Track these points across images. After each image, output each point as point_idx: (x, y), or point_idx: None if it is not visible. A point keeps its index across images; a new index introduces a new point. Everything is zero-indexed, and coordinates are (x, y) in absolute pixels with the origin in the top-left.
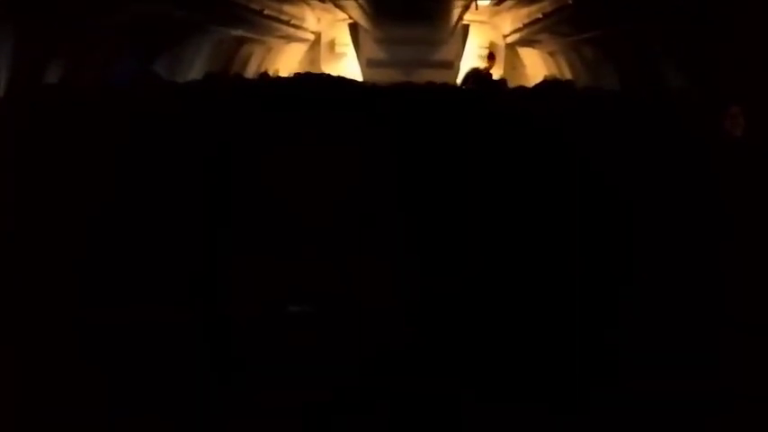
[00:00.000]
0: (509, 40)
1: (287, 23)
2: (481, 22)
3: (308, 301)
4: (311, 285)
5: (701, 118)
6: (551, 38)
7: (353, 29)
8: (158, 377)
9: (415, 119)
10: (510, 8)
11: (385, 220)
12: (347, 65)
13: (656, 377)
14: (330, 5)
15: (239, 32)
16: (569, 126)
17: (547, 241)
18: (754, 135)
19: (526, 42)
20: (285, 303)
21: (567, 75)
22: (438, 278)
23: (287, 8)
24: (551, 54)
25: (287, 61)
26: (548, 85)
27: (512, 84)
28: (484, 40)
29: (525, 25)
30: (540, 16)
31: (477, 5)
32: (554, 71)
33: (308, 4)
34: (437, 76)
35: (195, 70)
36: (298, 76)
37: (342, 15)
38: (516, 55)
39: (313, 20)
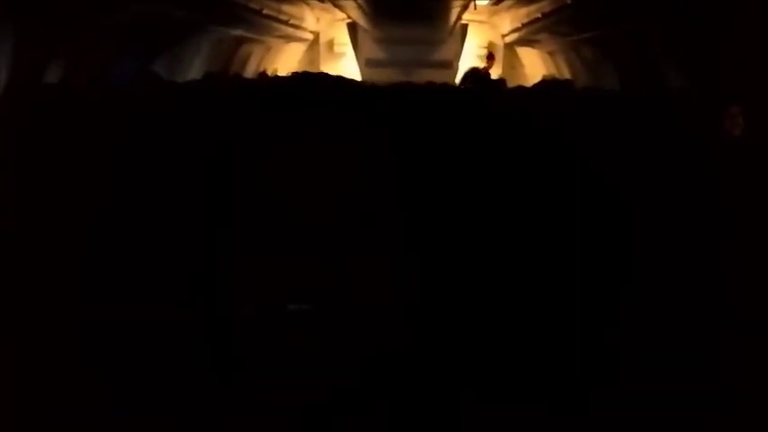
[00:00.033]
0: (508, 39)
1: (286, 23)
2: (480, 21)
3: (307, 301)
4: (311, 285)
5: (700, 118)
6: (550, 38)
7: (352, 28)
8: (158, 377)
9: (415, 119)
10: (509, 8)
11: (385, 220)
12: (346, 64)
13: (656, 377)
14: (329, 5)
15: (238, 32)
16: (569, 126)
17: (547, 241)
18: (754, 135)
19: (525, 42)
20: (285, 303)
21: (567, 75)
22: (438, 278)
23: (286, 8)
24: (550, 54)
25: (286, 61)
26: (547, 84)
27: (510, 84)
28: (483, 40)
29: (524, 25)
30: (539, 16)
31: (475, 5)
32: (553, 71)
33: (307, 4)
34: (436, 76)
35: (194, 70)
36: (297, 75)
37: (341, 15)
38: (515, 55)
39: (312, 19)
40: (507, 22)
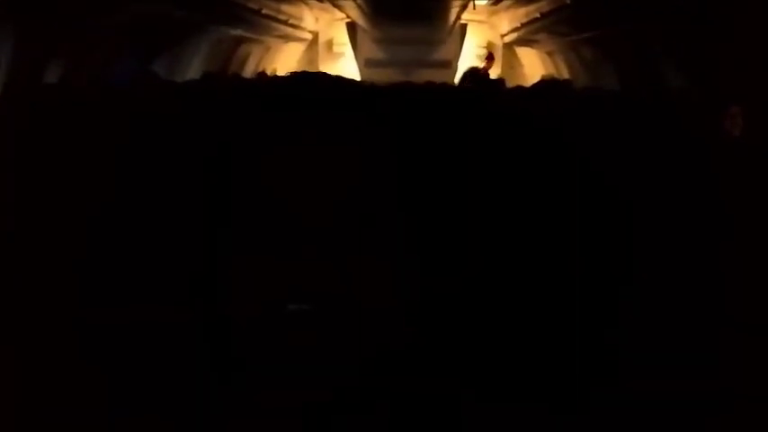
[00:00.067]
0: (507, 39)
1: (285, 23)
2: (479, 21)
3: (307, 301)
4: (311, 285)
5: (700, 118)
6: (549, 37)
7: (351, 28)
8: (158, 377)
9: (415, 119)
10: (508, 8)
11: (385, 220)
12: (345, 64)
13: (656, 377)
14: (328, 5)
15: (238, 32)
16: (569, 126)
17: (547, 241)
18: (754, 135)
19: (524, 42)
20: (285, 303)
21: (566, 75)
22: (438, 278)
23: (285, 7)
24: (549, 54)
25: (285, 61)
26: (546, 84)
27: (509, 83)
28: (482, 40)
29: (523, 25)
30: (538, 16)
31: (474, 5)
32: (552, 71)
33: (306, 4)
34: (435, 76)
35: (194, 70)
36: (296, 75)
37: (340, 15)
38: (514, 55)
39: (311, 19)
40: (506, 22)
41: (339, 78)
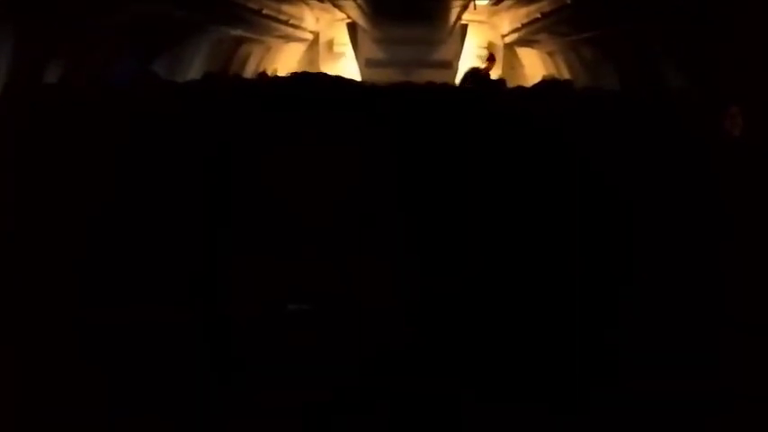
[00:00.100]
0: (507, 39)
1: (285, 23)
2: (480, 21)
3: (307, 301)
4: (311, 285)
5: (701, 118)
6: (550, 38)
7: (352, 28)
8: (158, 377)
9: (415, 119)
10: (508, 8)
11: (385, 220)
12: (346, 65)
13: (656, 377)
14: (329, 5)
15: (238, 32)
16: (569, 126)
17: (547, 241)
18: (754, 135)
19: (525, 42)
20: (285, 303)
21: (566, 75)
22: (438, 278)
23: (285, 8)
24: (550, 54)
25: (285, 61)
26: (546, 84)
27: (510, 84)
28: (482, 40)
29: (524, 25)
30: (539, 16)
31: (475, 5)
32: (553, 71)
33: (307, 4)
34: (436, 76)
35: (194, 70)
36: (296, 75)
37: (340, 15)
38: (515, 55)
39: (311, 19)
40: (507, 23)
41: (339, 78)
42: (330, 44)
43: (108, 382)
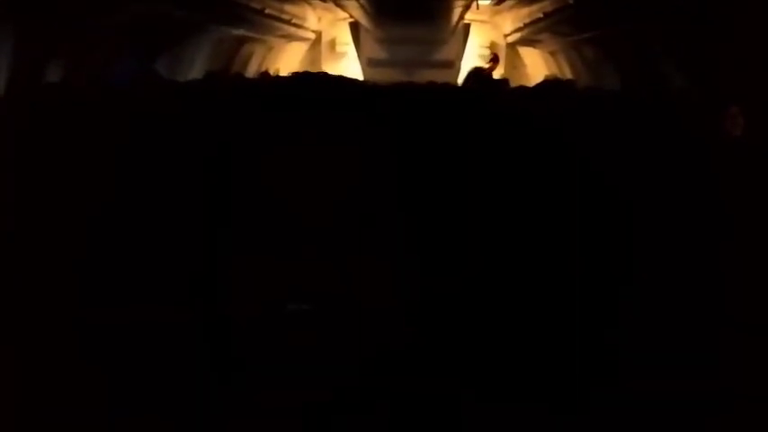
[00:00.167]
0: (510, 39)
1: (288, 22)
2: (482, 21)
3: (307, 301)
4: (311, 285)
5: (701, 118)
6: (552, 37)
7: (354, 28)
8: (158, 377)
9: (416, 119)
10: (511, 8)
11: (385, 220)
12: (348, 64)
13: (656, 377)
14: (331, 5)
15: (240, 32)
16: (569, 126)
17: (547, 241)
18: (754, 135)
19: (527, 42)
20: (285, 303)
21: (568, 74)
22: (438, 278)
23: (288, 7)
24: (552, 54)
25: (288, 60)
26: (548, 84)
27: (512, 83)
28: (485, 40)
29: (526, 25)
30: (541, 16)
31: (477, 5)
32: (555, 71)
33: (309, 4)
34: (438, 76)
35: (196, 70)
36: (297, 75)
37: (343, 14)
38: (517, 54)
39: (314, 19)
40: (509, 22)
41: (340, 78)
42: (332, 44)
43: (108, 382)
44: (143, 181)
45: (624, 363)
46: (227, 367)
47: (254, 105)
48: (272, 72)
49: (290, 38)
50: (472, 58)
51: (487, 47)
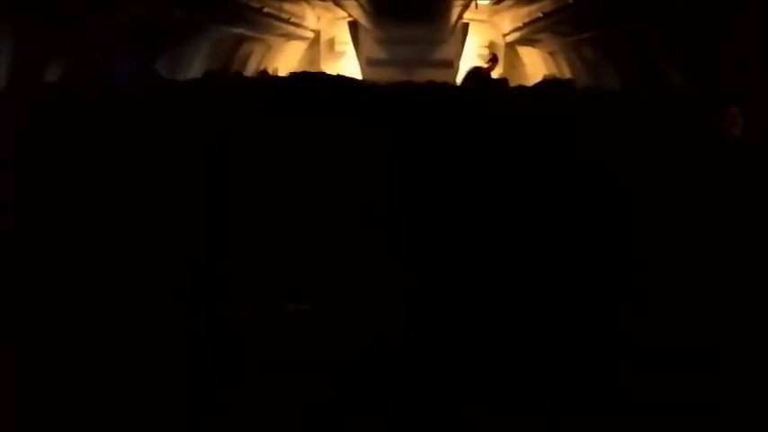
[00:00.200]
0: (509, 39)
1: (287, 21)
2: (481, 20)
3: (307, 301)
4: (311, 285)
5: (701, 118)
6: (551, 37)
7: (353, 27)
8: (158, 377)
9: (415, 119)
10: (510, 7)
11: (385, 220)
12: (347, 63)
13: (656, 377)
14: (330, 4)
15: (239, 31)
16: (569, 126)
17: (547, 241)
18: (754, 135)
19: (526, 41)
20: (285, 303)
21: (567, 74)
22: (438, 278)
23: (287, 6)
24: (551, 53)
25: (287, 59)
26: (547, 84)
27: (511, 83)
28: (483, 39)
29: (525, 24)
30: (540, 15)
31: (476, 4)
32: (554, 71)
33: (308, 3)
34: (437, 76)
35: (195, 69)
36: (296, 75)
37: (341, 14)
38: (516, 54)
39: (313, 18)
40: (508, 22)
41: (339, 78)
42: (331, 43)
43: (108, 382)
44: (143, 181)
45: (624, 363)
46: (227, 367)
47: (254, 105)
48: (270, 71)
49: (289, 37)
50: (471, 57)
51: (486, 46)
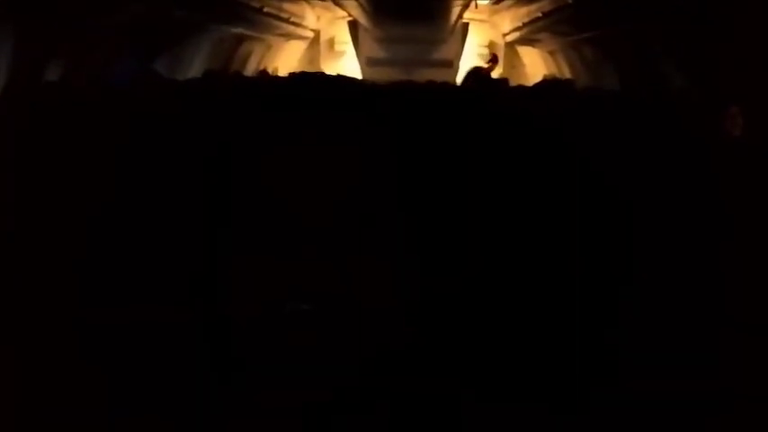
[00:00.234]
0: (508, 38)
1: (286, 21)
2: (481, 20)
3: (307, 301)
4: (311, 285)
5: (701, 118)
6: (551, 37)
7: (353, 27)
8: (158, 377)
9: (415, 118)
10: (509, 7)
11: (385, 220)
12: (346, 63)
13: (656, 377)
14: (330, 3)
15: (239, 30)
16: (569, 126)
17: (547, 241)
18: (754, 135)
19: (526, 41)
20: (285, 303)
21: (567, 74)
22: (438, 278)
23: (287, 6)
24: (551, 53)
25: (286, 59)
26: (547, 84)
27: (511, 83)
28: (483, 39)
29: (525, 24)
30: (540, 15)
31: (476, 4)
32: (554, 70)
33: (308, 2)
34: (437, 75)
35: (195, 68)
36: (296, 75)
37: (341, 13)
38: (516, 54)
39: (312, 18)
40: (508, 22)
41: (339, 78)
42: (331, 42)
43: (108, 382)
44: (143, 181)
45: (624, 363)
46: (227, 367)
47: (254, 105)
48: (270, 71)
49: (289, 36)
50: (471, 57)
51: (486, 46)
